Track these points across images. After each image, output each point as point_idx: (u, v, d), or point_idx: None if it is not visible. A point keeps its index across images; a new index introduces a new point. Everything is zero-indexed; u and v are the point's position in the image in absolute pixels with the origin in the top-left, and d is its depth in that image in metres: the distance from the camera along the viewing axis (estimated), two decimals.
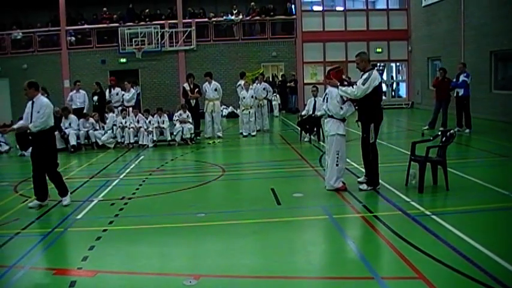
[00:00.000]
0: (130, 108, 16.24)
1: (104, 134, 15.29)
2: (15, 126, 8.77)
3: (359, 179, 8.93)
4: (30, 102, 8.12)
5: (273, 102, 23.96)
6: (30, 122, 8.01)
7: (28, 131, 8.14)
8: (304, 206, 7.88)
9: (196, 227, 6.91)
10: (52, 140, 8.51)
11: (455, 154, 11.32)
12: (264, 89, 17.89)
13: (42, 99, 8.14)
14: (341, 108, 8.37)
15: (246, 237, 6.45)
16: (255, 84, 17.92)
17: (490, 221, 6.81)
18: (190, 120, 15.50)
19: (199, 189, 9.32)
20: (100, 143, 15.12)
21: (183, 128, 15.18)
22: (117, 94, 16.99)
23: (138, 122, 15.23)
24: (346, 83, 8.59)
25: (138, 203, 8.33)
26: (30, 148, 14.12)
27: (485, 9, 18.80)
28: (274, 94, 24.08)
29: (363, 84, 8.12)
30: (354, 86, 8.23)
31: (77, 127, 15.21)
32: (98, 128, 15.45)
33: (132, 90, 17.16)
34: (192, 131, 15.51)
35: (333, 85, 8.50)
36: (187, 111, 15.57)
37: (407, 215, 6.95)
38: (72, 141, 14.73)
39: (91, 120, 15.40)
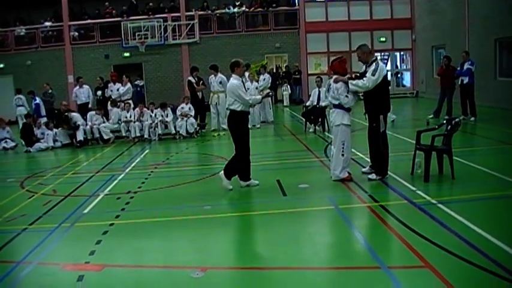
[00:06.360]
0: (130, 101, 16.29)
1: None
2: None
3: (363, 169, 8.93)
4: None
5: (284, 93, 24.03)
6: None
7: None
8: (310, 196, 7.87)
9: (203, 220, 6.92)
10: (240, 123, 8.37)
11: (460, 142, 11.28)
12: (264, 79, 17.94)
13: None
14: (346, 96, 8.31)
15: (252, 228, 6.47)
16: (266, 74, 18.18)
17: (497, 209, 6.78)
18: (192, 113, 15.51)
19: (205, 181, 9.33)
20: (105, 137, 15.18)
21: (186, 123, 15.23)
22: (117, 90, 16.99)
23: (142, 116, 15.26)
24: (353, 76, 8.52)
25: (144, 197, 8.35)
26: (35, 144, 14.41)
27: None
28: (286, 84, 24.25)
29: (373, 75, 8.07)
30: (364, 78, 8.17)
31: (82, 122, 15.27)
32: (103, 122, 15.51)
33: (128, 85, 17.11)
34: (195, 125, 15.53)
35: (340, 80, 8.30)
36: (189, 104, 15.61)
37: (413, 204, 6.94)
38: (79, 136, 14.78)
39: (98, 114, 15.51)
